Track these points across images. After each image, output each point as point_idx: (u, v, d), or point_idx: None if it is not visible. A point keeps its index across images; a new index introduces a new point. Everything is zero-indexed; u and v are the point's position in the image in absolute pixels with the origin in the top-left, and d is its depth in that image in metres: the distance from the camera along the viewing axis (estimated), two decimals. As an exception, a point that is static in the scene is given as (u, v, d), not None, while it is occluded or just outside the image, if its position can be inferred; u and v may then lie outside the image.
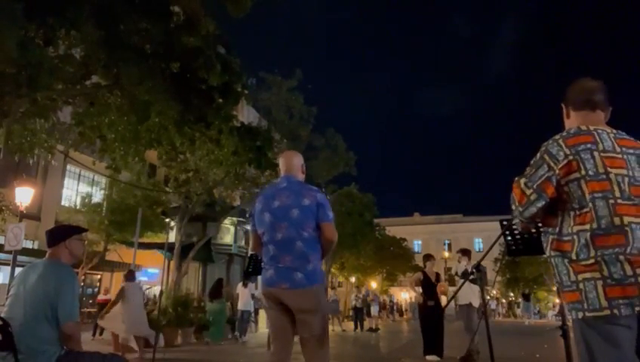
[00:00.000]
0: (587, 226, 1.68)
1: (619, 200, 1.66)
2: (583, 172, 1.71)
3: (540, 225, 1.91)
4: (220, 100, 8.48)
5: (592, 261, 1.64)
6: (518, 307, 44.68)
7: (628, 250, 1.60)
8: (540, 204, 1.77)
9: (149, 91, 7.25)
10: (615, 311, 1.59)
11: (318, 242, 2.73)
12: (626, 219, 1.63)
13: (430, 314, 7.30)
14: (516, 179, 1.86)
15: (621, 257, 1.61)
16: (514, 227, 3.03)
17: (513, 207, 1.87)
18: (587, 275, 1.66)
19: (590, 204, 1.68)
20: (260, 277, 2.90)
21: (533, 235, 1.99)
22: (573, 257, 1.70)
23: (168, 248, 12.83)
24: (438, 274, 7.70)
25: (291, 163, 3.00)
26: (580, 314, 1.67)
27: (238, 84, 8.88)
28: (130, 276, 7.72)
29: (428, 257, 7.90)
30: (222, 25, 8.75)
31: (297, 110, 17.12)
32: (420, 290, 7.55)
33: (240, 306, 11.85)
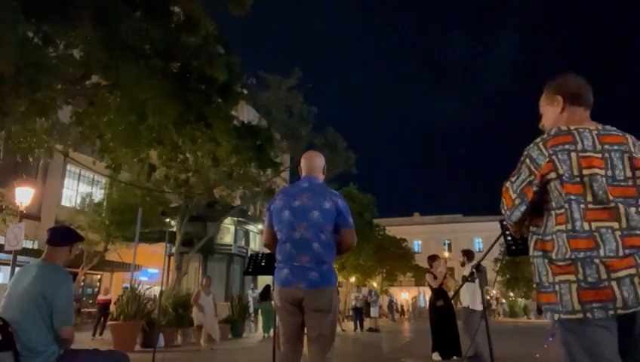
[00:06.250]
0: (563, 227, 1.69)
1: (589, 205, 1.66)
2: (561, 171, 1.72)
3: (531, 227, 1.92)
4: (220, 100, 8.47)
5: (568, 262, 1.65)
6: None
7: (601, 253, 1.60)
8: (523, 208, 1.81)
9: (149, 91, 7.23)
10: (588, 314, 1.59)
11: (334, 245, 2.76)
12: (594, 225, 1.63)
13: (440, 313, 7.28)
14: (505, 183, 1.90)
15: (596, 260, 1.60)
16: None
17: (503, 211, 1.91)
18: (563, 277, 1.66)
19: (566, 205, 1.69)
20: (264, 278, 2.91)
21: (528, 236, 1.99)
22: (553, 257, 1.70)
23: (169, 238, 13.16)
24: (447, 273, 7.68)
25: (313, 164, 2.99)
26: (556, 316, 1.68)
27: (237, 84, 8.87)
28: (208, 283, 10.42)
29: (433, 258, 7.84)
30: (222, 25, 8.75)
31: (297, 109, 17.03)
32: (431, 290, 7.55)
33: None
